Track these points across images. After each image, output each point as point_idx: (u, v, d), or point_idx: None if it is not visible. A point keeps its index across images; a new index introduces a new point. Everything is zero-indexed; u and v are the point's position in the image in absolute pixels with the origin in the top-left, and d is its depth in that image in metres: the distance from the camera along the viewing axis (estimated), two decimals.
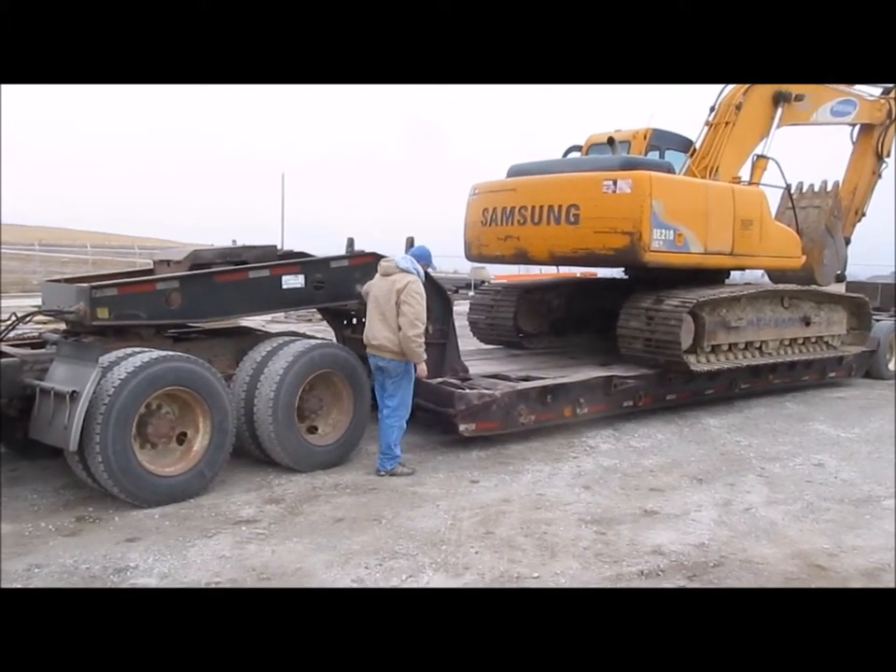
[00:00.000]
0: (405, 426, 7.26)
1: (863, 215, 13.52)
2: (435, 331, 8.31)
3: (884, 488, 7.06)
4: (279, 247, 8.18)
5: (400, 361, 7.01)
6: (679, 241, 9.35)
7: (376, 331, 7.05)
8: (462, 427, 7.70)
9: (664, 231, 9.15)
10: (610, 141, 10.70)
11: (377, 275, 7.24)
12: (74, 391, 5.65)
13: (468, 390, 7.84)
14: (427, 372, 7.27)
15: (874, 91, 12.84)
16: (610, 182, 9.13)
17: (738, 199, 10.15)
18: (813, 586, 4.94)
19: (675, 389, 9.83)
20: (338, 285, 7.79)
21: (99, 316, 6.43)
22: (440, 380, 8.14)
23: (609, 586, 4.88)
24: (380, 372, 7.17)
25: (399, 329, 6.90)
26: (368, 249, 8.10)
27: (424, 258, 7.37)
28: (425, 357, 7.05)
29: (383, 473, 7.05)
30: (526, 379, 8.63)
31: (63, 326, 7.28)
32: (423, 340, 6.98)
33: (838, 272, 12.86)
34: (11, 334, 6.84)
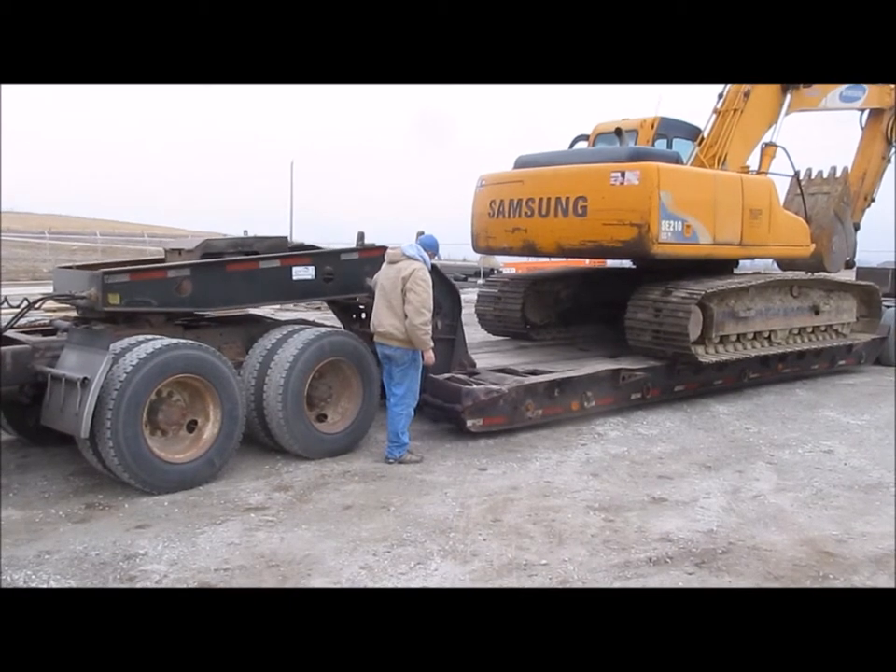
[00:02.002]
0: (413, 413, 7.28)
1: (873, 200, 13.41)
2: (444, 326, 8.32)
3: (893, 475, 7.04)
4: (288, 236, 8.20)
5: (407, 349, 7.02)
6: (687, 232, 9.30)
7: (382, 319, 7.06)
8: (469, 423, 7.70)
9: (672, 222, 9.10)
10: (618, 132, 10.66)
11: (384, 263, 7.25)
12: (85, 378, 5.68)
13: (475, 386, 7.83)
14: (434, 360, 7.27)
15: None
16: (618, 174, 9.08)
17: (747, 188, 10.09)
18: (822, 573, 4.94)
19: (683, 380, 9.79)
20: (348, 277, 7.81)
21: (111, 302, 6.46)
22: (447, 375, 8.12)
23: (617, 573, 4.89)
24: (387, 360, 7.19)
25: (406, 316, 6.91)
26: (377, 237, 8.13)
27: (431, 247, 7.37)
28: (431, 344, 7.06)
29: (391, 461, 7.07)
30: (534, 373, 8.62)
31: (73, 314, 7.31)
32: (429, 327, 6.98)
33: (847, 258, 12.80)
34: (22, 321, 6.86)
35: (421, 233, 7.94)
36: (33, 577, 4.68)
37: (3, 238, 31.06)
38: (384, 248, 7.80)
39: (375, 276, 7.40)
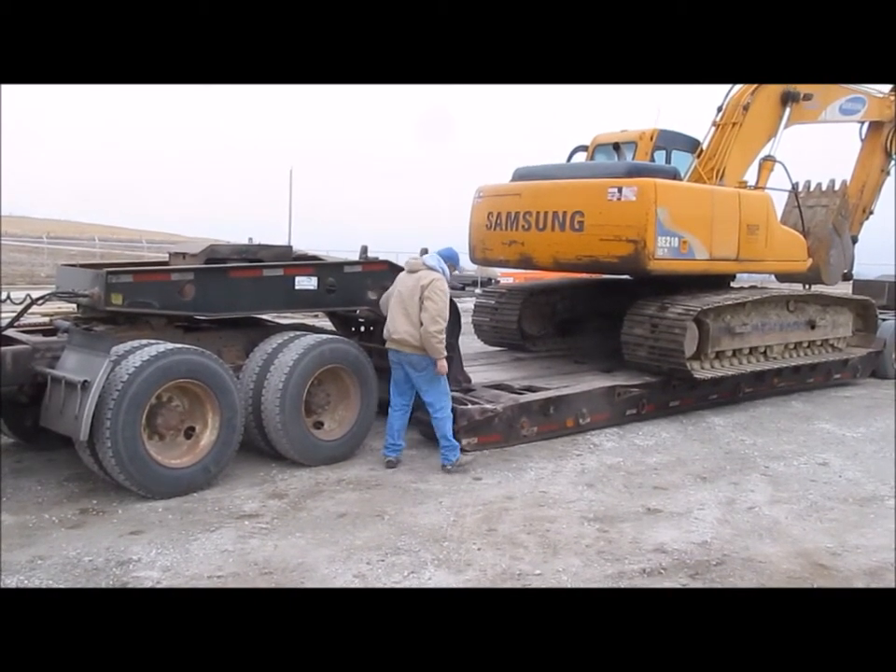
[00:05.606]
0: (451, 413, 7.28)
1: (871, 213, 13.43)
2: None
3: (888, 487, 7.05)
4: (288, 244, 8.23)
5: (424, 355, 7.03)
6: (683, 248, 9.29)
7: (398, 325, 7.07)
8: (464, 442, 7.63)
9: (669, 238, 9.09)
10: (616, 146, 10.65)
11: (403, 272, 7.30)
12: (85, 381, 5.66)
13: (469, 405, 7.80)
14: (447, 369, 7.24)
15: (883, 87, 12.74)
16: (615, 189, 9.07)
17: (744, 204, 10.08)
18: (815, 585, 4.94)
19: (679, 396, 9.76)
20: (350, 290, 7.83)
21: (113, 302, 6.46)
22: None
23: (611, 584, 4.89)
24: (400, 367, 7.19)
25: (421, 324, 6.93)
26: (376, 245, 8.14)
27: (452, 259, 7.42)
28: (444, 353, 7.05)
29: (449, 467, 7.09)
30: (530, 389, 8.61)
31: (73, 315, 7.30)
32: (443, 336, 7.00)
33: (845, 270, 12.82)
34: (22, 321, 6.85)
35: (425, 251, 7.93)
36: (25, 582, 4.67)
37: (1, 242, 31.04)
38: (387, 263, 7.90)
39: (386, 293, 7.42)
